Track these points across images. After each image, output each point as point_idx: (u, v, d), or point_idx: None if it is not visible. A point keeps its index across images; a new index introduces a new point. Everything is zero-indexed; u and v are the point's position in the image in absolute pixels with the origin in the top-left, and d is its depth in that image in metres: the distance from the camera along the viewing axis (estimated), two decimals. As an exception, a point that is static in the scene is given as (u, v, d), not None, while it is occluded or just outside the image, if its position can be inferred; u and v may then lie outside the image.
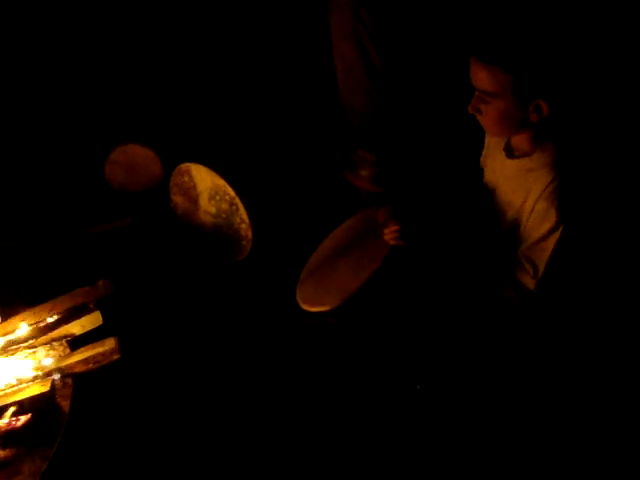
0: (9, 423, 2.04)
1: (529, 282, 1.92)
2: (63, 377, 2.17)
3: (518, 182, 1.95)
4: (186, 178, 3.16)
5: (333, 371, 2.29)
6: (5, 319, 2.46)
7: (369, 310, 2.02)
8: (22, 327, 2.35)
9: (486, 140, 2.20)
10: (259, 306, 2.73)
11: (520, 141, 1.96)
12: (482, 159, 2.25)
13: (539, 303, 1.95)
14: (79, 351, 2.23)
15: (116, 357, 2.18)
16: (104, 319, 2.34)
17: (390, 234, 1.97)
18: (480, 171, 2.22)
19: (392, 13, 2.65)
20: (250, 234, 3.03)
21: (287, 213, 3.15)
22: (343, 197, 3.09)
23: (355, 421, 2.26)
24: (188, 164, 3.12)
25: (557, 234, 1.84)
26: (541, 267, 1.89)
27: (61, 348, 2.29)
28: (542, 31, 1.81)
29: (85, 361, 2.18)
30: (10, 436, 2.01)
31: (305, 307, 2.04)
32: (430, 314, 2.08)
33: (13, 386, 2.13)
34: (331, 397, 2.31)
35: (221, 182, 3.00)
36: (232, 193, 2.98)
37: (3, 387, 2.13)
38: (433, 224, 2.02)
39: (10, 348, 2.26)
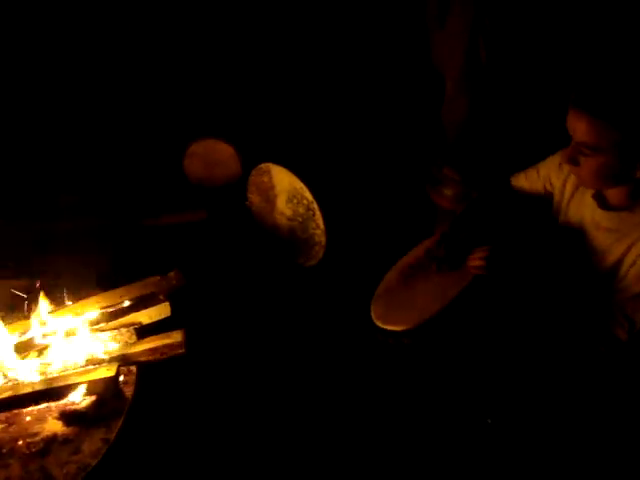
0: (74, 402, 2.15)
1: (622, 335, 1.87)
2: (128, 364, 2.26)
3: (619, 234, 1.90)
4: (265, 178, 3.23)
5: (401, 393, 2.27)
6: (76, 301, 2.61)
7: (446, 336, 2.00)
8: (93, 310, 2.48)
9: (561, 182, 2.15)
10: (327, 315, 2.75)
11: (617, 194, 1.90)
12: (560, 199, 2.18)
13: (630, 355, 1.91)
14: (145, 340, 2.32)
15: (181, 351, 2.25)
16: (172, 311, 2.43)
17: (474, 261, 1.96)
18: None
19: (512, 28, 2.67)
20: (324, 240, 3.07)
21: (364, 224, 3.17)
22: (422, 213, 3.09)
23: (421, 449, 2.24)
24: (269, 164, 3.19)
25: None
26: (638, 322, 1.86)
27: (128, 335, 2.39)
28: None
29: (150, 351, 2.26)
30: (73, 415, 2.12)
31: (380, 324, 2.05)
32: (509, 347, 2.04)
33: (80, 367, 2.24)
34: (396, 421, 2.29)
35: (300, 185, 3.05)
36: (310, 198, 3.03)
37: (71, 367, 2.24)
38: (519, 257, 1.99)
39: (80, 330, 2.36)
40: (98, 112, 3.79)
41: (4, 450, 2.03)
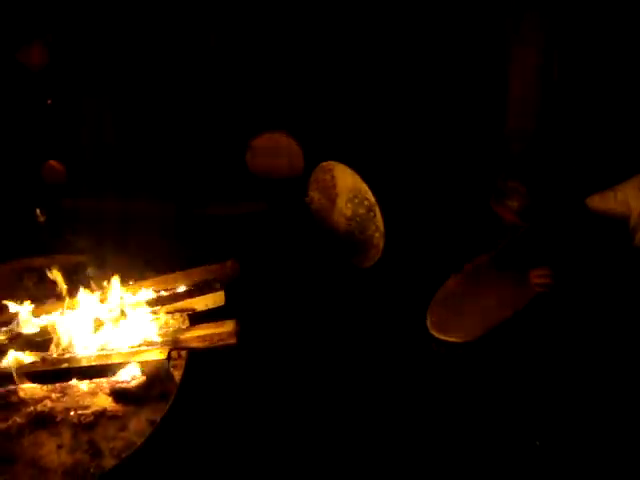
0: (124, 381, 2.23)
1: None
2: (179, 349, 2.33)
3: None
4: (328, 176, 3.26)
5: (450, 404, 2.25)
6: (134, 282, 2.70)
7: (502, 352, 1.98)
8: (150, 292, 2.57)
9: None
10: (378, 317, 2.75)
11: None
12: (638, 221, 2.13)
13: None
14: (198, 327, 2.38)
15: (232, 341, 2.30)
16: (226, 300, 2.48)
17: (540, 279, 1.93)
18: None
19: (587, 42, 2.61)
20: (382, 244, 3.07)
21: (423, 231, 3.16)
22: (484, 225, 3.05)
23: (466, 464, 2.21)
24: (333, 163, 3.22)
25: None
26: None
27: (181, 320, 2.46)
28: None
29: (202, 338, 2.32)
30: (123, 393, 2.20)
31: (435, 333, 2.05)
32: (567, 369, 2.01)
33: (133, 347, 2.32)
34: (440, 433, 2.27)
35: (363, 186, 3.06)
36: (372, 200, 3.04)
37: (125, 346, 2.33)
38: (588, 278, 1.95)
39: (136, 310, 2.45)
40: (174, 105, 3.91)
41: (57, 418, 2.14)
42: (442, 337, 2.03)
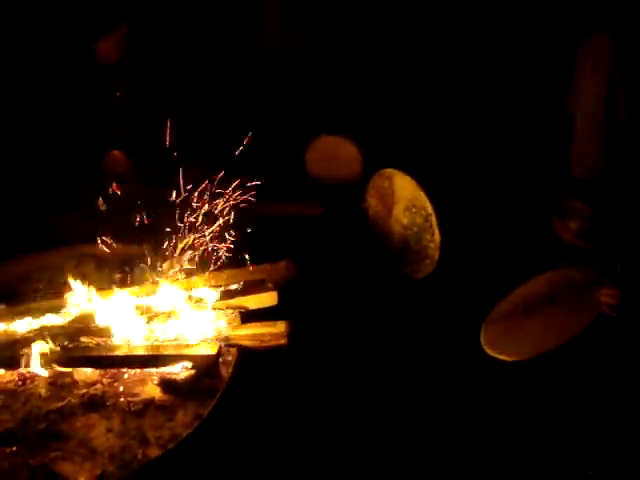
0: (173, 372, 2.29)
1: None
2: (229, 345, 2.38)
3: None
4: (387, 184, 3.27)
5: (500, 425, 2.22)
6: (188, 277, 2.77)
7: (558, 374, 1.95)
8: (203, 287, 2.62)
9: None
10: (429, 329, 2.74)
11: None
12: None
13: None
14: (249, 325, 2.43)
15: (282, 342, 2.33)
16: (278, 301, 2.52)
17: (608, 298, 1.89)
18: None
19: None
20: (437, 255, 3.06)
21: (480, 245, 3.13)
22: (544, 244, 3.01)
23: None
24: (393, 170, 3.22)
25: None
26: None
27: (232, 317, 2.51)
28: None
29: (253, 337, 2.37)
30: (172, 385, 2.26)
31: (489, 351, 2.03)
32: (625, 397, 1.96)
33: (185, 341, 2.38)
34: (484, 455, 2.24)
35: (421, 196, 3.06)
36: (430, 210, 3.03)
37: (176, 339, 2.39)
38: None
39: (189, 304, 2.51)
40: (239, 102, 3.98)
41: (108, 403, 2.21)
42: (496, 355, 2.01)
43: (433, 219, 3.05)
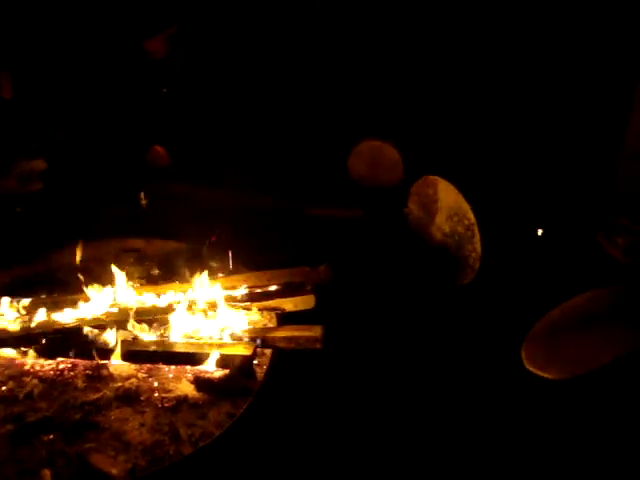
0: (207, 371, 2.32)
1: None
2: (264, 346, 2.39)
3: None
4: (430, 190, 3.24)
5: (539, 443, 2.17)
6: (226, 275, 2.79)
7: (603, 395, 1.91)
8: (242, 288, 2.64)
9: None
10: (468, 339, 2.70)
11: None
12: None
13: None
14: (285, 328, 2.44)
15: (318, 346, 2.34)
16: (315, 304, 2.52)
17: None
18: None
19: None
20: (477, 265, 3.03)
21: (524, 259, 3.08)
22: (591, 259, 2.95)
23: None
24: (436, 177, 3.19)
25: None
26: None
27: (269, 318, 2.52)
28: None
29: (288, 339, 2.37)
30: (205, 383, 2.29)
31: (529, 366, 2.00)
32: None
33: (221, 340, 2.40)
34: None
35: (465, 205, 3.03)
36: (472, 219, 3.00)
37: (212, 338, 2.41)
38: None
39: (226, 303, 2.53)
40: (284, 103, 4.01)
41: (142, 397, 2.25)
42: (538, 372, 1.97)
43: (475, 229, 3.01)
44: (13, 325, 2.49)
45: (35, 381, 2.33)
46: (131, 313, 2.46)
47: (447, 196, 3.15)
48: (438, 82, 3.85)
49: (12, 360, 2.42)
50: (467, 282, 3.11)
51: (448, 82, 3.84)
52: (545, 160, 3.49)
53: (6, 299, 2.61)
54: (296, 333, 2.38)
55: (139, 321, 2.46)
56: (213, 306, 2.52)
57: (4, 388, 2.30)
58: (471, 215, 3.02)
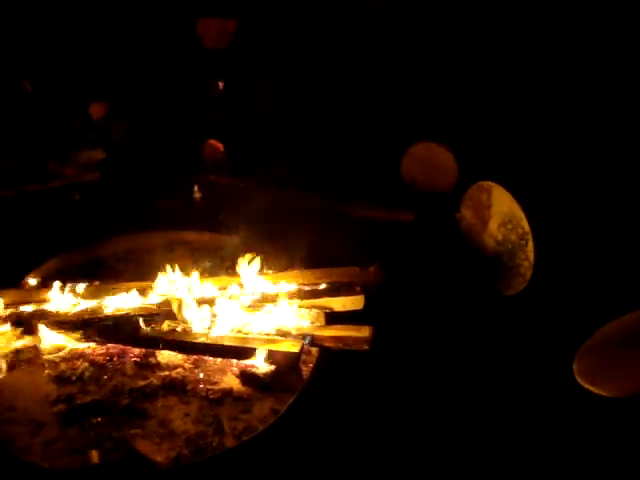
0: (254, 366, 2.33)
1: None
2: (311, 345, 2.39)
3: None
4: (484, 196, 3.19)
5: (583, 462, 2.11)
6: (277, 272, 2.80)
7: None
8: (291, 284, 2.65)
9: None
10: (516, 349, 2.65)
11: None
12: None
13: None
14: (334, 327, 2.43)
15: (365, 347, 2.33)
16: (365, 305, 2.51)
17: None
18: None
19: None
20: (529, 275, 2.97)
21: (578, 270, 3.00)
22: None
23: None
24: (492, 183, 3.14)
25: None
26: None
27: (317, 317, 2.51)
28: None
29: (336, 339, 2.37)
30: (251, 377, 2.30)
31: (582, 381, 1.95)
32: None
33: (269, 335, 2.41)
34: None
35: (520, 213, 2.97)
36: (527, 228, 2.94)
37: (261, 333, 2.43)
38: None
39: (276, 300, 2.54)
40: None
41: (188, 387, 2.28)
42: (590, 388, 1.92)
43: (529, 237, 2.95)
44: (66, 309, 2.56)
45: (86, 364, 2.38)
46: (180, 304, 2.48)
47: (501, 203, 3.10)
48: (498, 85, 3.79)
49: (65, 343, 2.48)
50: (518, 292, 3.06)
51: (509, 85, 3.78)
52: (606, 171, 3.40)
53: (58, 284, 2.68)
54: (344, 333, 2.37)
55: (188, 312, 2.48)
56: (262, 301, 2.53)
57: (57, 369, 2.37)
58: (526, 224, 2.96)
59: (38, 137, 3.58)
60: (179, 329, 2.48)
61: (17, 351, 2.45)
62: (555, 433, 2.11)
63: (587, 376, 1.98)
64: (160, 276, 2.69)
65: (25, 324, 2.46)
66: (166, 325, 2.49)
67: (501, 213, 3.12)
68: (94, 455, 2.01)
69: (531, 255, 2.96)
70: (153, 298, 2.58)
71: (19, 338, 2.48)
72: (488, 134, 3.74)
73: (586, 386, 1.94)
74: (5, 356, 2.43)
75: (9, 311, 2.55)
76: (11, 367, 2.39)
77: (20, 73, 3.60)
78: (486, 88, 3.81)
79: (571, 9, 3.51)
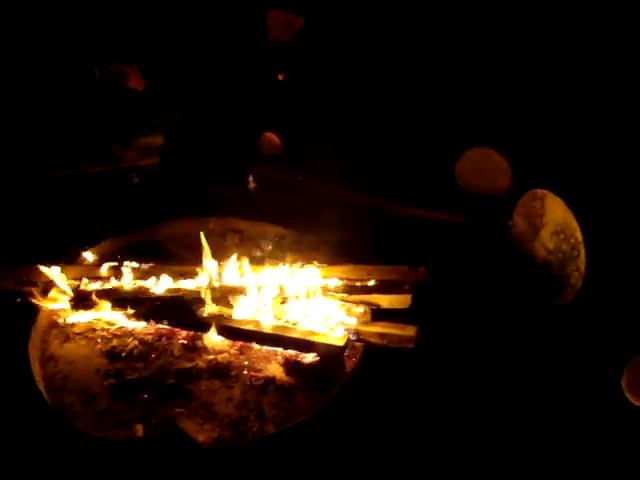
0: (298, 356, 2.36)
1: None
2: (357, 340, 2.40)
3: None
4: (537, 204, 3.15)
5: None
6: (324, 265, 2.82)
7: None
8: (340, 279, 2.65)
9: None
10: (562, 360, 2.61)
11: None
12: None
13: None
14: (379, 324, 2.44)
15: (410, 346, 2.33)
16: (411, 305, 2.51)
17: None
18: None
19: None
20: (579, 285, 2.91)
21: (630, 282, 2.93)
22: None
23: None
24: (545, 191, 3.09)
25: None
26: None
27: (363, 312, 2.52)
28: None
29: (381, 335, 2.38)
30: (295, 367, 2.34)
31: (631, 398, 1.91)
32: None
33: (314, 327, 2.43)
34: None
35: (573, 223, 2.92)
36: (580, 238, 2.88)
37: (307, 324, 2.45)
38: None
39: (324, 293, 2.55)
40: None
41: (232, 372, 2.33)
42: (637, 403, 1.88)
43: (582, 248, 2.89)
44: (122, 287, 2.63)
45: (136, 342, 2.45)
46: (231, 291, 2.53)
47: (554, 211, 3.05)
48: (558, 94, 3.73)
49: (118, 320, 2.55)
50: (566, 302, 3.01)
51: (569, 95, 3.71)
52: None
53: (113, 264, 2.75)
54: (390, 330, 2.38)
55: (237, 299, 2.52)
56: (310, 293, 2.55)
57: (109, 345, 2.44)
58: (579, 234, 2.90)
59: (103, 120, 3.67)
60: (228, 315, 2.51)
61: (73, 324, 2.54)
62: (602, 447, 2.07)
63: (636, 392, 1.93)
64: (211, 262, 2.73)
65: (84, 299, 2.54)
66: (216, 310, 2.53)
67: (553, 222, 3.07)
68: (139, 429, 2.08)
69: (582, 266, 2.90)
70: (204, 283, 2.62)
71: (76, 312, 2.56)
72: (544, 141, 3.68)
73: (635, 402, 1.90)
74: (63, 326, 2.52)
75: (71, 286, 2.63)
76: (67, 339, 2.48)
77: (91, 60, 3.70)
78: (545, 96, 3.75)
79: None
